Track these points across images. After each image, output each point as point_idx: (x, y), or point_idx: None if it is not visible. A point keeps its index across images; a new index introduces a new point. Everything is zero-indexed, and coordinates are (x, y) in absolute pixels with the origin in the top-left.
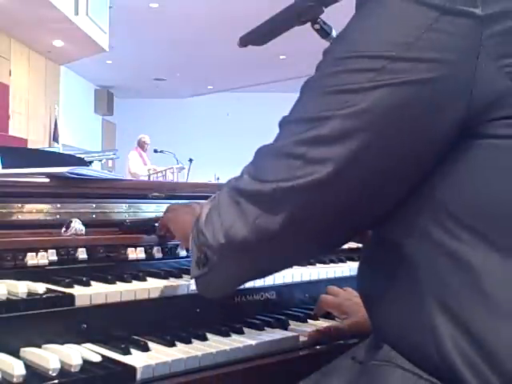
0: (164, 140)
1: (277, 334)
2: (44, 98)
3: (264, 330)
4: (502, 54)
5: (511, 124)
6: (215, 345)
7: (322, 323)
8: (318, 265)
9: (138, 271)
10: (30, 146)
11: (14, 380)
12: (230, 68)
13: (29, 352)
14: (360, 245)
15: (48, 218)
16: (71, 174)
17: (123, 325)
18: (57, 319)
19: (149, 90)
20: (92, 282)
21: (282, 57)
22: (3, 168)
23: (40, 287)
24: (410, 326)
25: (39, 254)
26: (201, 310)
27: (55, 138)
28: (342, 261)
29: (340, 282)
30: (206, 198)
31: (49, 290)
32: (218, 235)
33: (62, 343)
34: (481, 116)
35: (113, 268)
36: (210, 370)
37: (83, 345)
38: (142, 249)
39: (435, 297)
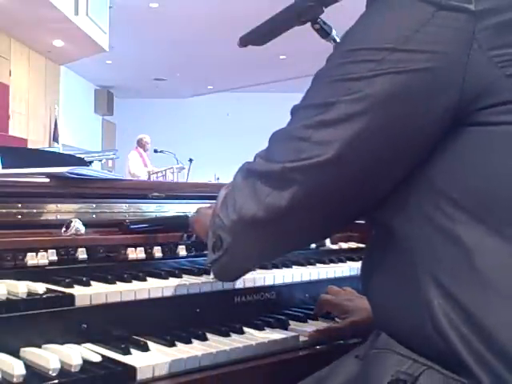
0: (164, 140)
1: (277, 334)
2: (44, 98)
3: (264, 329)
4: (492, 45)
5: (500, 111)
6: (215, 345)
7: (322, 323)
8: (318, 265)
9: (137, 271)
10: (30, 145)
11: (14, 380)
12: (230, 68)
13: (29, 352)
14: (360, 245)
15: (48, 218)
16: (71, 173)
17: (123, 325)
18: (57, 319)
19: (149, 90)
20: (92, 282)
21: (282, 57)
22: (3, 168)
23: (40, 287)
24: (407, 309)
25: (39, 253)
26: (201, 310)
27: (55, 138)
28: (341, 261)
29: (340, 282)
30: (205, 197)
31: (49, 290)
32: (231, 215)
33: (62, 343)
34: (472, 104)
35: (113, 268)
36: (210, 370)
37: (83, 345)
38: (142, 249)
39: (431, 278)
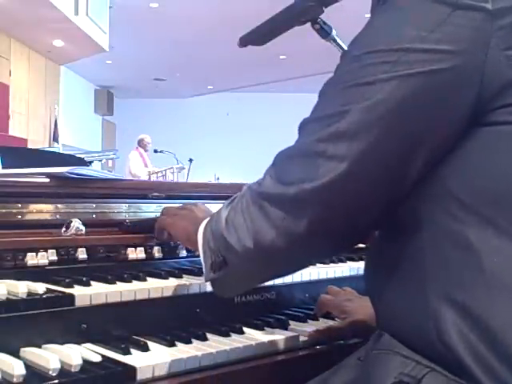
0: (164, 140)
1: (277, 334)
2: (44, 98)
3: (264, 329)
4: (509, 45)
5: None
6: (215, 345)
7: (322, 323)
8: (318, 265)
9: (138, 271)
10: (30, 145)
11: (14, 380)
12: (230, 68)
13: (29, 352)
14: (360, 245)
15: (48, 218)
16: (71, 173)
17: (123, 325)
18: (57, 319)
19: (149, 90)
20: (92, 282)
21: (282, 57)
22: (3, 168)
23: (40, 287)
24: (411, 313)
25: (39, 253)
26: (201, 310)
27: (55, 138)
28: (341, 261)
29: (340, 282)
30: (205, 198)
31: (49, 290)
32: (244, 240)
33: (62, 343)
34: (489, 104)
35: (113, 268)
36: (210, 370)
37: (83, 345)
38: (142, 249)
39: (438, 282)
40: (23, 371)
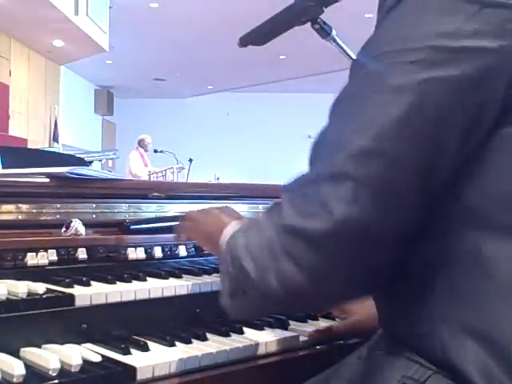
0: (164, 140)
1: (277, 334)
2: (44, 98)
3: (264, 329)
4: None
5: None
6: (215, 345)
7: (322, 323)
8: None
9: (137, 271)
10: (30, 145)
11: (14, 380)
12: (230, 68)
13: (29, 352)
14: None
15: (48, 218)
16: (71, 173)
17: (123, 325)
18: (57, 319)
19: (149, 90)
20: (92, 282)
21: (282, 57)
22: (3, 168)
23: (40, 287)
24: (416, 324)
25: (39, 253)
26: (201, 310)
27: (55, 138)
28: None
29: None
30: (205, 198)
31: (49, 290)
32: (267, 276)
33: (62, 343)
34: None
35: (113, 268)
36: (210, 370)
37: (83, 345)
38: (142, 249)
39: (448, 294)
40: (23, 371)
